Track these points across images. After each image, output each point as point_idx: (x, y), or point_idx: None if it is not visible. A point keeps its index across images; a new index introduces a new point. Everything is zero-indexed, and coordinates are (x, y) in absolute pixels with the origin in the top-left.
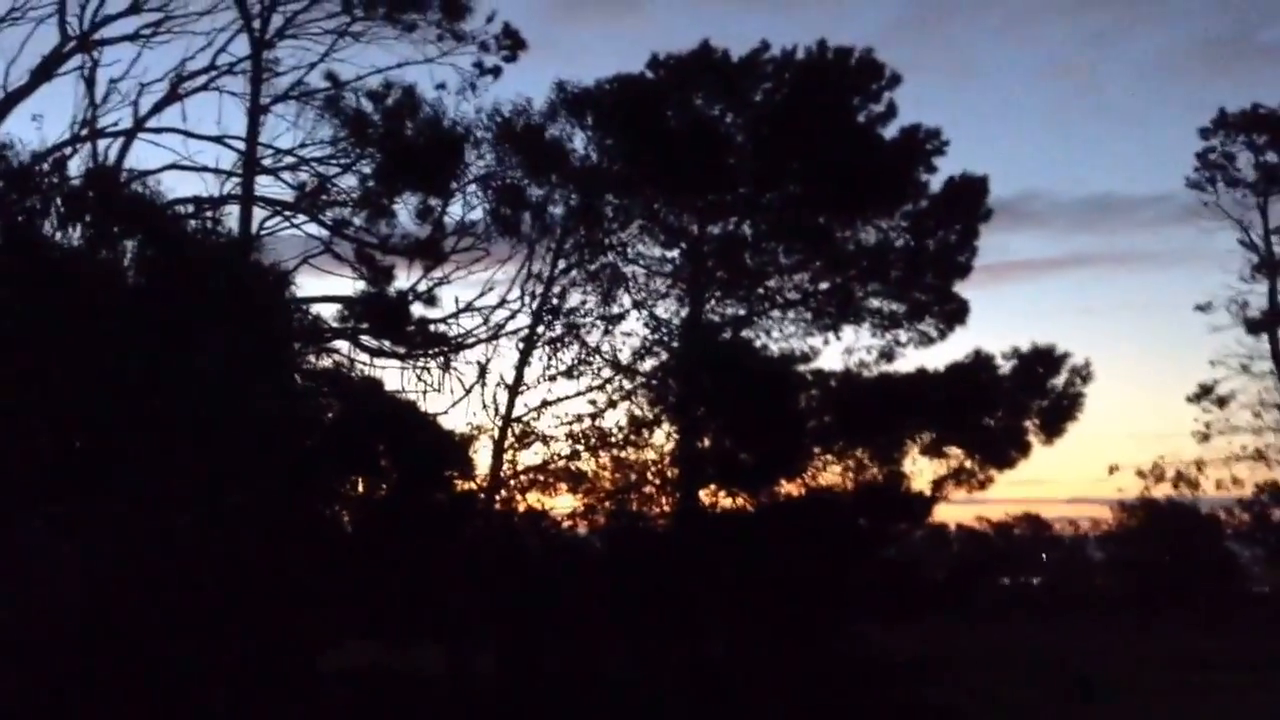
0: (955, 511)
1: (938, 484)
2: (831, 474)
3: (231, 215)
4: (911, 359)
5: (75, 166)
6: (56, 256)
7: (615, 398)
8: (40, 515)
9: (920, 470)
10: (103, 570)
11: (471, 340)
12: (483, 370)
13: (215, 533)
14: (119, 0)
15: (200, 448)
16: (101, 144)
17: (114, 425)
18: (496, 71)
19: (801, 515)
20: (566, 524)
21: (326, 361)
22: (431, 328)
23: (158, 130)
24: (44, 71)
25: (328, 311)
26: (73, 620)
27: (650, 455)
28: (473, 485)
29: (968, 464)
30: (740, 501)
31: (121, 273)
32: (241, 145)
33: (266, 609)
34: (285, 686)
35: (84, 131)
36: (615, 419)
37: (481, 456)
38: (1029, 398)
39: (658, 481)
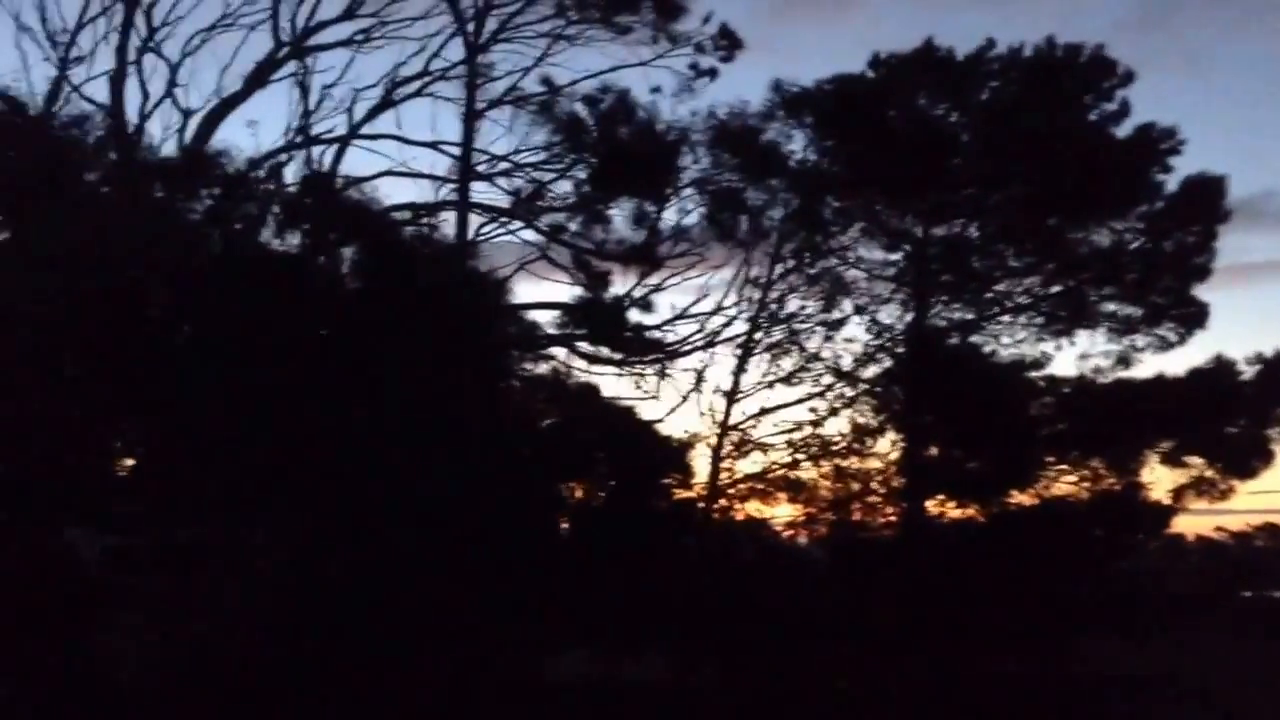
0: (1193, 522)
1: (1177, 494)
2: (1065, 484)
3: (447, 221)
4: (1149, 365)
5: (291, 173)
6: (273, 264)
7: (837, 405)
8: (258, 521)
9: (1158, 480)
10: (319, 575)
11: (688, 347)
12: (699, 377)
13: (432, 538)
14: (332, 6)
15: (417, 453)
16: (316, 150)
17: (330, 432)
18: (712, 73)
19: (1033, 526)
20: (786, 534)
21: (543, 368)
22: (648, 334)
23: (372, 136)
24: (258, 78)
25: (544, 318)
26: (290, 624)
27: (874, 464)
28: (691, 493)
29: (1208, 473)
30: (969, 512)
31: (339, 280)
32: (456, 151)
33: (484, 615)
34: (505, 694)
35: (298, 138)
36: (837, 427)
37: (699, 464)
38: (1273, 405)
39: (882, 491)
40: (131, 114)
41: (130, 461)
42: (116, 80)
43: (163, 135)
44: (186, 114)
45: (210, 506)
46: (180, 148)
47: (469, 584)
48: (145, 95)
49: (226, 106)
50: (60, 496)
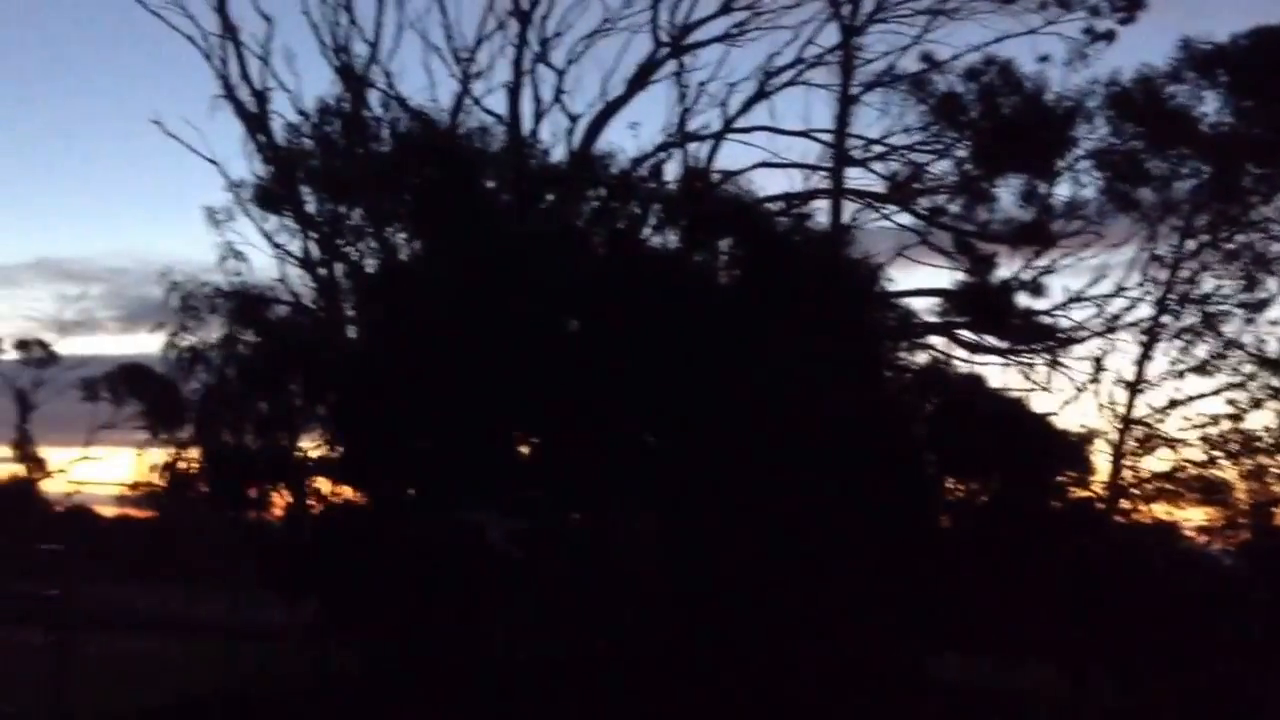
0: None
1: None
2: None
3: (821, 210)
4: None
5: (670, 171)
6: (653, 261)
7: (1260, 397)
8: (637, 511)
9: None
10: (701, 566)
11: (1083, 333)
12: (1097, 366)
13: (811, 533)
14: (709, 3)
15: (794, 445)
16: (693, 147)
17: (710, 424)
18: (1109, 36)
19: None
20: (1199, 540)
21: (921, 357)
22: (1038, 319)
23: (746, 130)
24: (639, 80)
25: (922, 305)
26: (670, 611)
27: None
28: (1089, 493)
29: None
30: None
31: (715, 273)
32: (829, 138)
33: (864, 613)
34: (887, 694)
35: (676, 136)
36: (1260, 421)
37: (1098, 461)
38: None
39: None
40: (526, 122)
41: (528, 450)
42: (512, 91)
43: (552, 141)
44: (573, 119)
45: (601, 494)
46: (568, 152)
47: (848, 580)
48: (538, 103)
49: (610, 109)
50: (468, 481)
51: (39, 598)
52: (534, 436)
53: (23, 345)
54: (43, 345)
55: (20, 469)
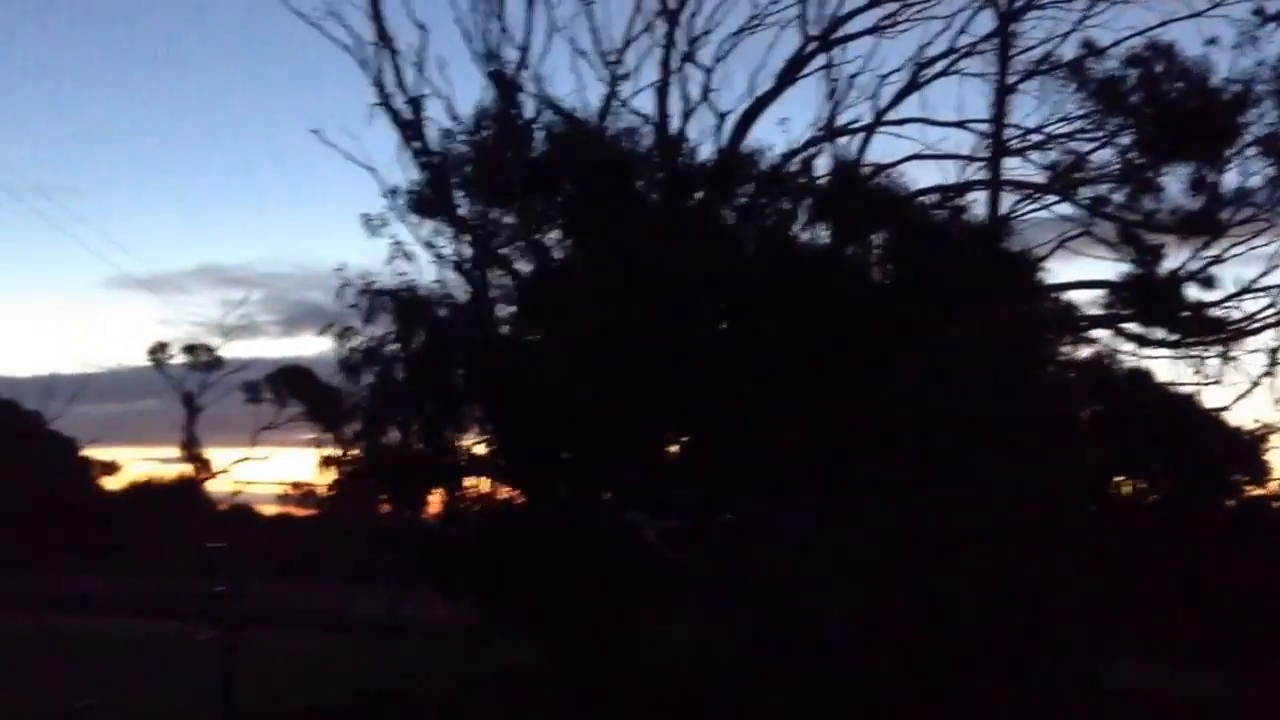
0: None
1: None
2: None
3: (978, 201)
4: None
5: (820, 166)
6: (805, 256)
7: None
8: (792, 510)
9: None
10: (856, 562)
11: (1256, 325)
12: (1272, 359)
13: (973, 529)
14: None
15: (954, 442)
16: (843, 141)
17: (864, 420)
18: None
19: None
20: None
21: (1084, 351)
22: (1208, 311)
23: (898, 122)
24: (788, 75)
25: (1084, 297)
26: (827, 608)
27: None
28: (1265, 491)
29: None
30: None
31: (868, 267)
32: (985, 128)
33: (1029, 611)
34: (1057, 697)
35: (825, 131)
36: None
37: (1275, 459)
38: None
39: None
40: (673, 122)
41: (679, 448)
42: (660, 91)
43: (699, 139)
44: (722, 117)
45: (754, 493)
46: (717, 150)
47: (1013, 581)
48: (686, 102)
49: (759, 106)
50: (621, 481)
51: (206, 595)
52: (686, 435)
53: (189, 350)
54: (208, 350)
55: (187, 469)
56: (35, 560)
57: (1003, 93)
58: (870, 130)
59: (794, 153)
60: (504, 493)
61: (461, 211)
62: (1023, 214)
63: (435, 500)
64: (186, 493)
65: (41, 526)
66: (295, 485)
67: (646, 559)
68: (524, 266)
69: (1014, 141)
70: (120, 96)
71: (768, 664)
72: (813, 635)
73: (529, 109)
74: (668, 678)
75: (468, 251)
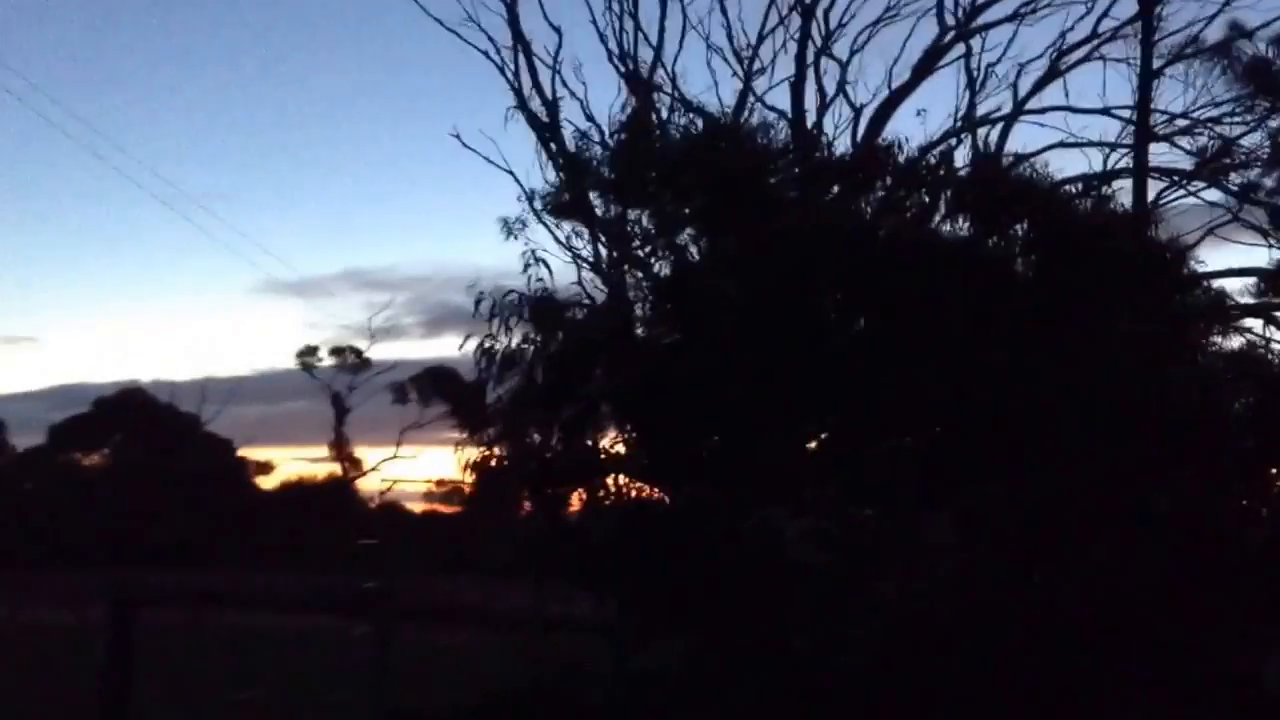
0: None
1: None
2: None
3: (1123, 190)
4: None
5: (960, 157)
6: (943, 250)
7: None
8: (938, 508)
9: None
10: (1006, 567)
11: None
12: None
13: (1125, 527)
14: None
15: (1102, 437)
16: (983, 131)
17: (1008, 414)
18: None
19: None
20: None
21: (1235, 342)
22: None
23: (1039, 110)
24: (925, 66)
25: (1235, 286)
26: (973, 612)
27: None
28: None
29: None
30: None
31: (1010, 259)
32: (1129, 114)
33: (1183, 614)
34: (1217, 699)
35: (964, 121)
36: None
37: None
38: None
39: None
40: (809, 116)
41: (817, 446)
42: (795, 86)
43: (835, 133)
44: (858, 110)
45: (891, 492)
46: (853, 144)
47: (1167, 576)
48: (822, 97)
49: (895, 98)
50: (760, 480)
51: (359, 591)
52: (825, 433)
53: (337, 352)
54: (355, 352)
55: (337, 468)
56: (195, 557)
57: (1147, 77)
58: (1010, 120)
59: (932, 145)
60: (643, 491)
61: (598, 212)
62: (1170, 201)
63: (575, 499)
64: (337, 491)
65: (200, 524)
66: (440, 483)
67: (786, 558)
68: (660, 266)
69: (1160, 127)
70: (268, 105)
71: (913, 662)
72: (960, 638)
73: (663, 108)
74: (813, 678)
75: (604, 253)
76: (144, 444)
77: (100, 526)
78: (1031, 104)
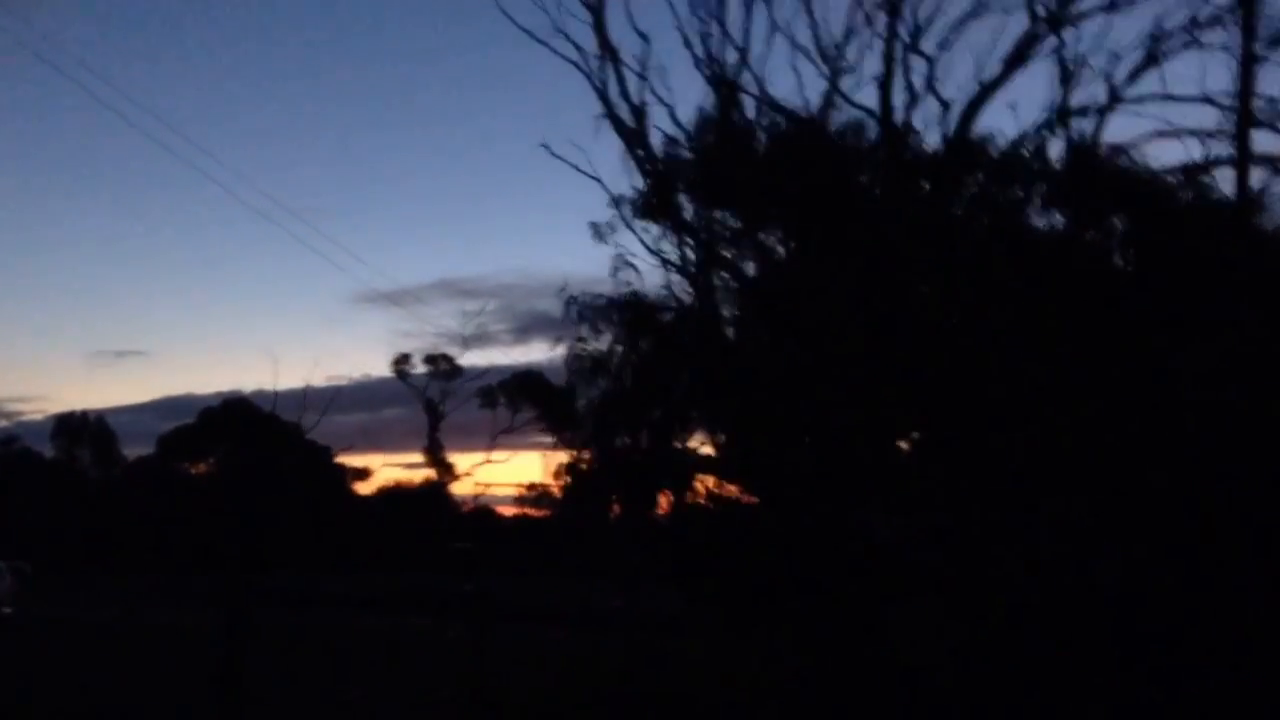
0: None
1: None
2: None
3: (1225, 179)
4: None
5: (1053, 150)
6: (1039, 244)
7: None
8: (1037, 507)
9: None
10: (1097, 569)
11: None
12: None
13: (1235, 529)
14: None
15: (1210, 432)
16: (1077, 123)
17: (1105, 415)
18: None
19: None
20: None
21: None
22: None
23: (1135, 100)
24: (1016, 59)
25: None
26: (1071, 618)
27: None
28: None
29: None
30: None
31: (1109, 253)
32: (1229, 102)
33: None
34: None
35: (1057, 114)
36: None
37: None
38: None
39: None
40: (897, 114)
41: (909, 445)
42: (882, 83)
43: (925, 130)
44: (946, 106)
45: (988, 490)
46: (943, 140)
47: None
48: (910, 93)
49: (986, 92)
50: (851, 478)
51: (455, 593)
52: (918, 431)
53: (430, 360)
54: (447, 359)
55: (431, 473)
56: (297, 561)
57: (1248, 63)
58: (1105, 110)
59: (1025, 138)
60: (732, 491)
61: (685, 216)
62: (1276, 189)
63: (664, 500)
64: (432, 496)
65: (302, 530)
66: (531, 486)
67: (881, 557)
68: (749, 268)
69: (1263, 113)
70: (362, 122)
71: (1011, 660)
72: (1057, 639)
73: (750, 110)
74: (912, 676)
75: (692, 256)
76: (248, 452)
77: (206, 533)
78: (1127, 93)
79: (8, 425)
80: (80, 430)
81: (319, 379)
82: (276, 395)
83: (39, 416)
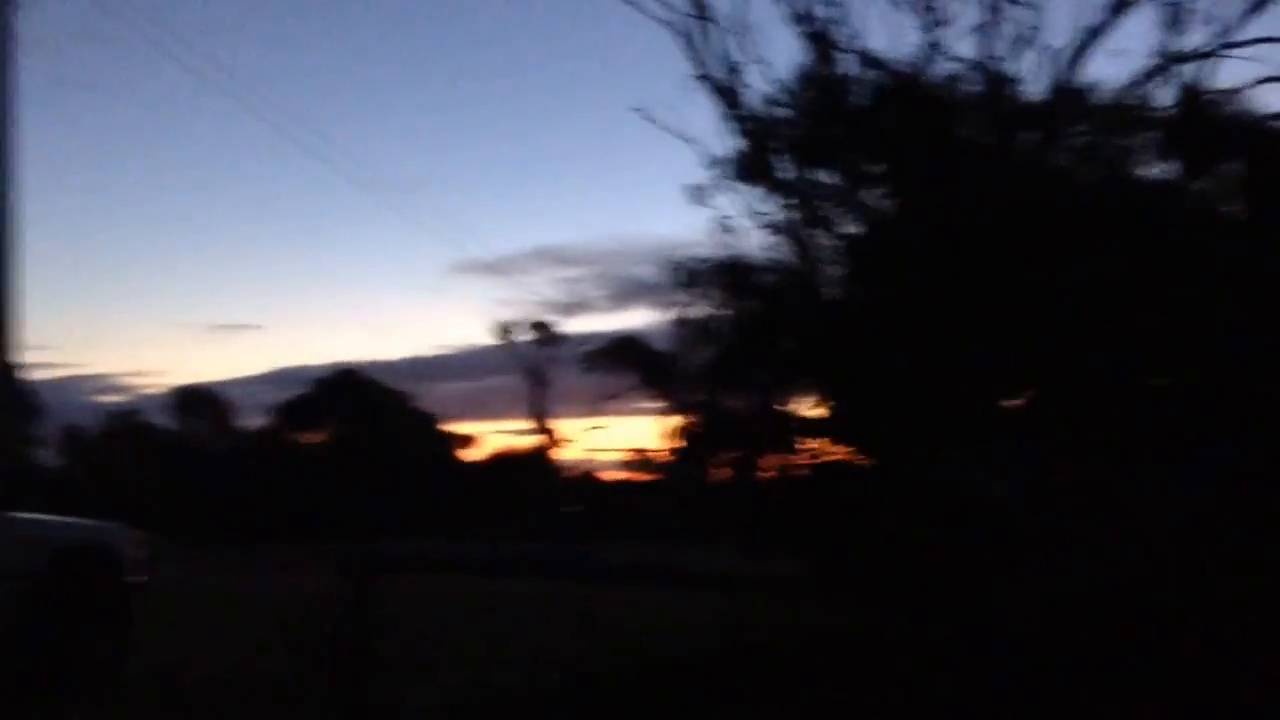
0: None
1: None
2: None
3: None
4: None
5: (1160, 97)
6: (1147, 194)
7: None
8: (1155, 466)
9: None
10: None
11: None
12: None
13: None
14: None
15: None
16: (1185, 69)
17: (1223, 367)
18: None
19: None
20: None
21: None
22: None
23: (1243, 43)
24: (1120, 4)
25: None
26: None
27: None
28: None
29: None
30: None
31: (1220, 201)
32: None
33: None
34: None
35: (1164, 59)
36: None
37: None
38: None
39: None
40: (997, 64)
41: (1022, 401)
42: (982, 33)
43: (1028, 80)
44: (1049, 54)
45: (1106, 447)
46: (1047, 90)
47: None
48: (1010, 43)
49: (1089, 39)
50: (960, 436)
51: (569, 555)
52: (1028, 389)
53: (532, 327)
54: (548, 326)
55: (537, 440)
56: (409, 527)
57: None
58: (1213, 55)
59: (1131, 85)
60: (841, 452)
61: (783, 176)
62: None
63: (770, 463)
64: (538, 461)
65: (413, 496)
66: (635, 451)
67: (990, 518)
68: (849, 226)
69: None
70: (457, 90)
71: (1120, 626)
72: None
73: (847, 66)
74: (1015, 640)
75: (793, 216)
76: (359, 422)
77: (322, 500)
78: (1236, 37)
79: (128, 399)
80: (198, 402)
81: (425, 349)
82: (384, 365)
83: (158, 390)
